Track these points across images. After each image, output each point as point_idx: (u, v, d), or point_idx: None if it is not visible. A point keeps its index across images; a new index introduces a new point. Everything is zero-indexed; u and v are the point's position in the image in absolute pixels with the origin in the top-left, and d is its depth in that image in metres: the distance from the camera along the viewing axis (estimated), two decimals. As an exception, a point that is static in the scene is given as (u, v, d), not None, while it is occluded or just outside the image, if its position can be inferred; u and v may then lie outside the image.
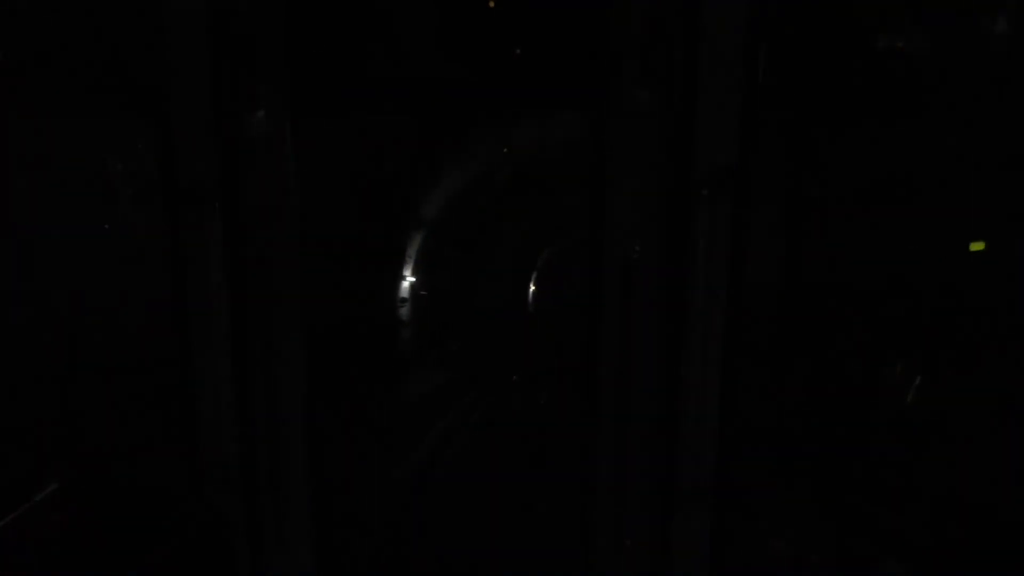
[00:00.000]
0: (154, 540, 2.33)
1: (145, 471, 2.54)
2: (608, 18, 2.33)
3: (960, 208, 2.41)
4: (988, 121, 2.34)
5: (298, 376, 2.54)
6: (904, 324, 2.52)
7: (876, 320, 2.53)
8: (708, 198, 2.26)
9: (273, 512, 2.56)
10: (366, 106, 2.55)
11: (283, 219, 2.47)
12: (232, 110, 2.37)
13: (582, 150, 2.50)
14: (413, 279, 2.79)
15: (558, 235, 2.89)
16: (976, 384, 2.45)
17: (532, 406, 2.83)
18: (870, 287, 2.53)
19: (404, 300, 2.79)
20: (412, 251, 2.79)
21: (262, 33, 2.36)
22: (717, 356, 2.35)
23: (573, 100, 2.51)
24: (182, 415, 2.47)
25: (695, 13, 2.23)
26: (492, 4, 2.44)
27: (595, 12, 2.34)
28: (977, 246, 2.34)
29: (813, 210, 2.50)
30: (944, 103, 2.38)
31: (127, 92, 2.41)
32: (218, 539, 2.50)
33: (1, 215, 2.36)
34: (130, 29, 2.37)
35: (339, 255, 2.74)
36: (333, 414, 2.70)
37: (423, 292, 2.80)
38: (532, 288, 2.78)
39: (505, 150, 2.73)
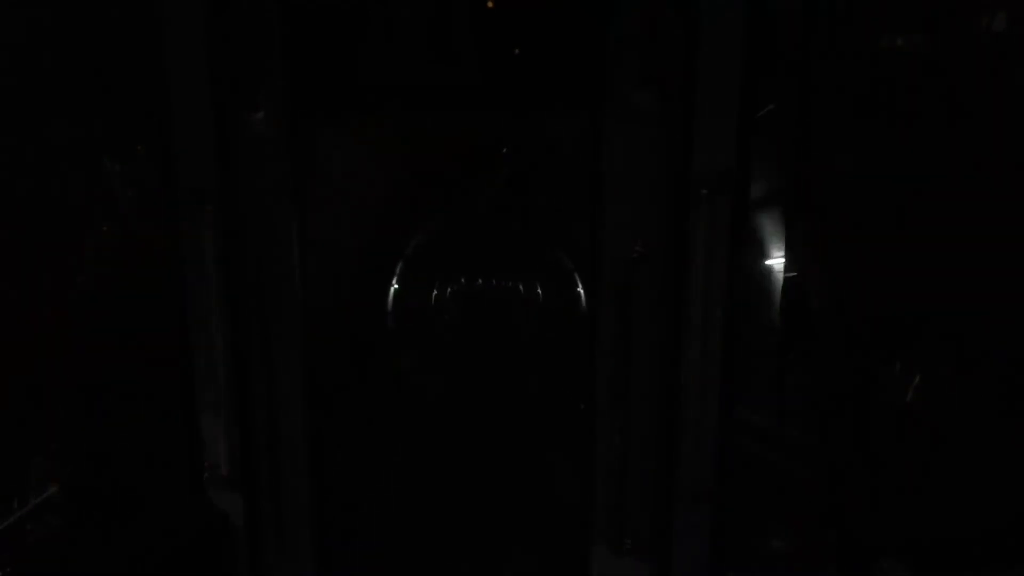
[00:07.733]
0: (155, 541, 2.33)
1: (145, 472, 2.53)
2: (607, 19, 2.33)
3: (960, 208, 2.41)
4: (987, 122, 2.34)
5: (297, 376, 2.54)
6: (904, 324, 2.52)
7: (876, 320, 2.53)
8: (707, 198, 2.26)
9: (273, 512, 2.56)
10: (363, 107, 2.56)
11: (282, 221, 2.47)
12: (232, 112, 2.37)
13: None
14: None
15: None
16: (976, 384, 2.45)
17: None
18: (870, 286, 2.53)
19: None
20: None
21: (261, 35, 2.36)
22: (717, 355, 2.35)
23: (573, 101, 2.51)
24: (182, 415, 2.46)
25: (694, 14, 2.23)
26: (491, 4, 2.44)
27: (594, 13, 2.35)
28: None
29: (812, 209, 2.50)
30: (945, 104, 2.38)
31: (129, 94, 2.42)
32: (218, 539, 2.50)
33: None
34: (130, 32, 2.38)
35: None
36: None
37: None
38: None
39: (504, 150, 2.73)
